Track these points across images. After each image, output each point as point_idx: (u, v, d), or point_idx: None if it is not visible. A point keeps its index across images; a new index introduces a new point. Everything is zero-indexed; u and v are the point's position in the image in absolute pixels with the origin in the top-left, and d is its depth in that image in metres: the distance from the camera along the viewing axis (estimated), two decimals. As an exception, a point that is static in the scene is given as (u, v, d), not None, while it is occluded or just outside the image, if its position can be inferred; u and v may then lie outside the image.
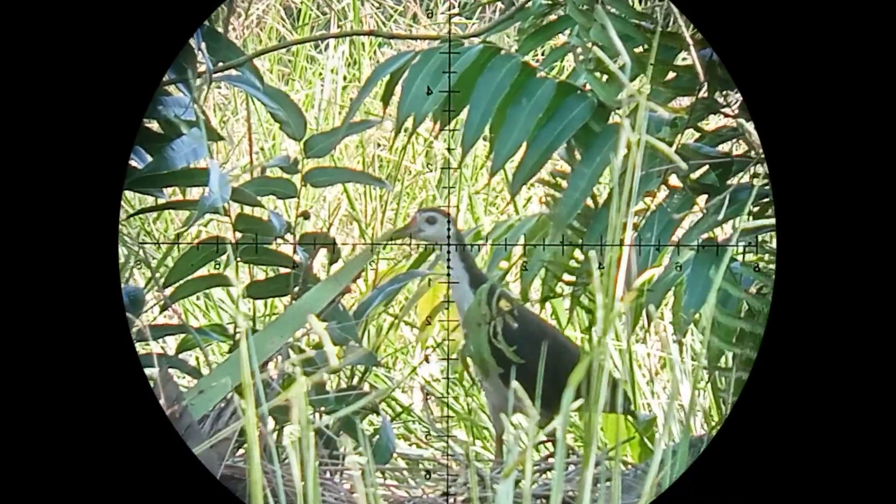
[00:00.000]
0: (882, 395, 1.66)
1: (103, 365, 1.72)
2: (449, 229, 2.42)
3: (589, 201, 2.35)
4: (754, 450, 1.64)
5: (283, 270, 2.55)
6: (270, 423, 2.35)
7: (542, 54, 2.63)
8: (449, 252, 2.43)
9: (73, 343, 1.72)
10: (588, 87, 2.31)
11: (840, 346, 1.68)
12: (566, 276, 2.46)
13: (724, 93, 2.31)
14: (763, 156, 2.15)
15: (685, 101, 2.37)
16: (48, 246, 1.74)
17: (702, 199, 2.31)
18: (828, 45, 1.81)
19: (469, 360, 2.43)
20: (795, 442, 1.64)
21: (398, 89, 2.35)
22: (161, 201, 2.59)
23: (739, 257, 2.29)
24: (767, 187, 2.28)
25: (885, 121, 1.76)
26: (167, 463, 1.69)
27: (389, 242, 2.56)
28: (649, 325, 2.43)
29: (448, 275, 2.43)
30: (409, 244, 2.86)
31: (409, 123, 2.33)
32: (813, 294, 1.70)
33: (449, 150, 2.36)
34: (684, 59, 2.37)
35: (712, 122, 2.49)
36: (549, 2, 2.42)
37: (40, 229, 1.75)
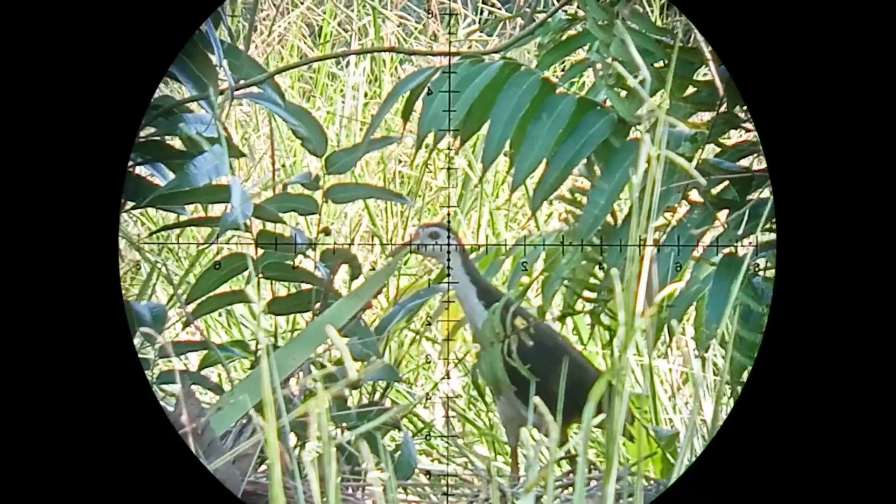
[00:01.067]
0: (881, 400, 1.64)
1: (108, 383, 1.71)
2: (449, 238, 2.42)
3: (609, 218, 2.34)
4: (754, 451, 1.63)
5: (304, 286, 2.55)
6: (292, 439, 2.35)
7: (563, 70, 2.63)
8: (449, 258, 2.41)
9: (77, 360, 1.71)
10: (608, 102, 2.30)
11: (840, 350, 1.67)
12: (586, 293, 2.45)
13: (745, 107, 2.30)
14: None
15: (706, 116, 2.36)
16: (44, 261, 1.73)
17: (722, 215, 2.31)
18: (836, 58, 1.81)
19: (480, 378, 2.42)
20: (795, 443, 1.63)
21: (418, 105, 2.35)
22: (183, 218, 2.60)
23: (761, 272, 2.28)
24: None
25: (890, 132, 1.75)
26: (180, 481, 1.69)
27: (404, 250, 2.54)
28: (671, 340, 2.43)
29: (448, 278, 2.42)
30: (432, 261, 2.86)
31: (430, 139, 2.33)
32: (813, 301, 1.69)
33: (448, 149, 2.35)
34: (705, 74, 2.37)
35: (733, 137, 2.49)
36: (569, 17, 2.42)
37: (36, 242, 1.74)
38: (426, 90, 2.30)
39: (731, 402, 2.69)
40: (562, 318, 2.54)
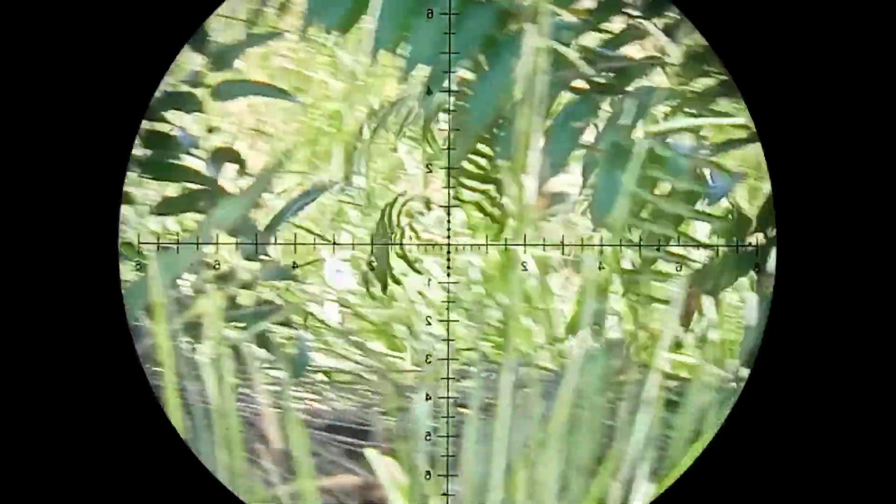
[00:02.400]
0: (884, 395, 1.64)
1: (103, 369, 1.66)
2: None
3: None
4: (755, 451, 1.62)
5: (192, 187, 2.52)
6: (186, 341, 2.34)
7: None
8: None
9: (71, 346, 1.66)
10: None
11: (840, 347, 1.66)
12: (473, 183, 2.44)
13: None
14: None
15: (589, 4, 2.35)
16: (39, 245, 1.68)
17: (606, 104, 2.31)
18: (836, 58, 1.79)
19: None
20: (798, 442, 1.63)
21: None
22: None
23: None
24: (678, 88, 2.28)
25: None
26: (176, 475, 1.63)
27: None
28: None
29: (448, 276, 2.42)
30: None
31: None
32: (814, 300, 1.68)
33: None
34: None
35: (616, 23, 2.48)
36: None
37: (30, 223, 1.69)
38: None
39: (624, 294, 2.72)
40: (454, 206, 2.53)
